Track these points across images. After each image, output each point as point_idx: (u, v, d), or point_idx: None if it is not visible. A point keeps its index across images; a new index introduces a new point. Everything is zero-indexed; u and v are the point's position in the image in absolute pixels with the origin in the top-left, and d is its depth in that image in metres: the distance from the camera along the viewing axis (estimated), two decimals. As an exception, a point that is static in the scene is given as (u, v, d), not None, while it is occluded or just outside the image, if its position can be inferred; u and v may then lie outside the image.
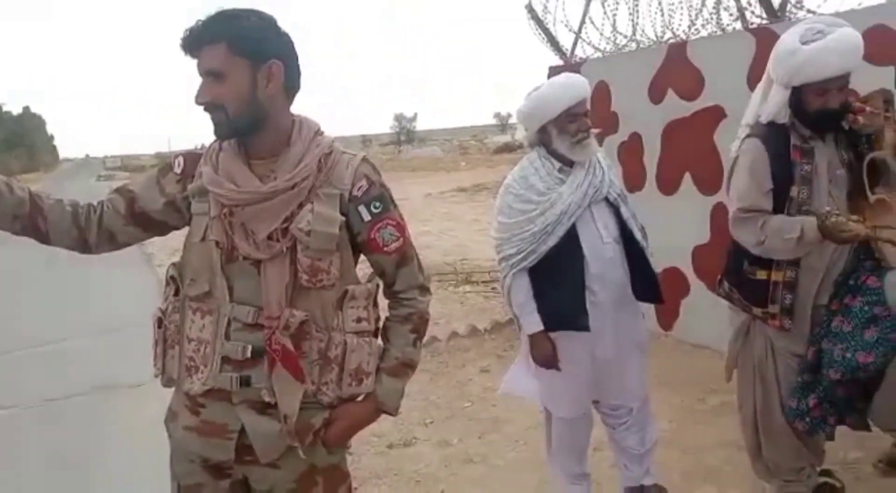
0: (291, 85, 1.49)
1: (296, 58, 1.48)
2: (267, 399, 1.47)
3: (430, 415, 3.64)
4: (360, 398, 1.58)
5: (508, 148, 24.83)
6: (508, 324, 4.89)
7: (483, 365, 4.34)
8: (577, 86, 2.31)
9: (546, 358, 2.32)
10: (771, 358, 2.34)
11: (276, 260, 1.45)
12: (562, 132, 2.29)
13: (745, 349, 2.41)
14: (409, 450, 3.29)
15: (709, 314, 3.86)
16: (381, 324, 1.63)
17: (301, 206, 1.45)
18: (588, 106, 2.33)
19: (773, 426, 2.37)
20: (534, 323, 2.32)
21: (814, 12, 3.54)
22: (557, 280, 2.28)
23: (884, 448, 2.74)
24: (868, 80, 2.15)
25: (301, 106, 1.54)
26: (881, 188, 2.13)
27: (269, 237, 1.45)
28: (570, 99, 2.27)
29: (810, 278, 2.22)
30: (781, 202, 2.20)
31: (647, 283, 2.40)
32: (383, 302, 1.63)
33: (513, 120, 43.18)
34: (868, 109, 2.13)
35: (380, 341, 1.62)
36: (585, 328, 2.27)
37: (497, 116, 45.02)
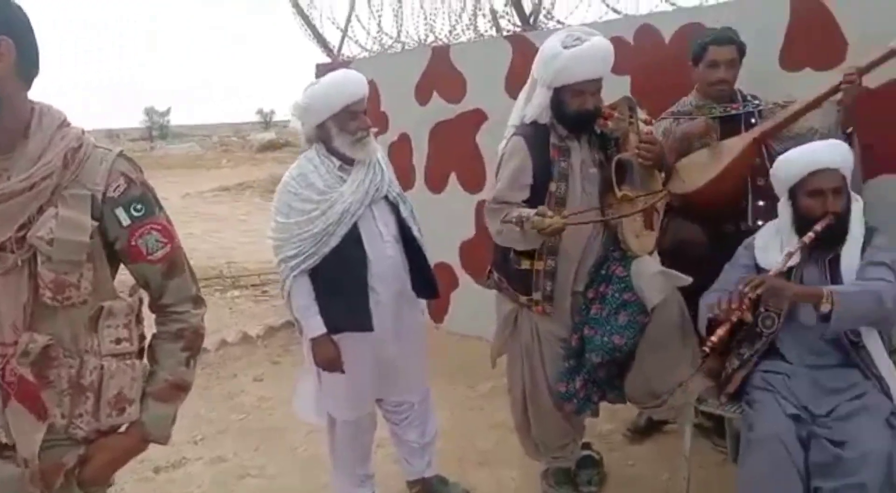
0: (26, 66, 1.25)
1: (31, 34, 1.25)
2: (3, 440, 1.25)
3: (201, 431, 3.39)
4: (122, 429, 1.39)
5: (273, 146, 24.12)
6: (283, 328, 4.73)
7: (256, 373, 4.14)
8: (358, 82, 2.26)
9: (330, 361, 2.26)
10: (537, 343, 2.49)
11: (9, 275, 1.23)
12: (342, 130, 2.23)
13: (514, 336, 2.55)
14: (179, 472, 3.03)
15: (476, 305, 4.06)
16: (146, 343, 1.45)
17: (42, 210, 1.24)
18: (366, 104, 2.30)
19: (540, 406, 2.54)
20: (316, 326, 2.24)
21: (563, 23, 3.86)
22: (340, 281, 2.23)
23: (631, 418, 3.06)
24: (606, 88, 2.36)
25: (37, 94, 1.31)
26: (626, 185, 2.37)
27: (2, 248, 1.22)
28: (350, 95, 2.22)
29: (567, 267, 2.40)
30: (542, 196, 2.36)
31: (425, 280, 2.43)
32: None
33: (277, 117, 42.10)
34: (616, 114, 2.35)
35: (146, 362, 1.44)
36: (369, 329, 2.24)
37: (260, 112, 43.51)
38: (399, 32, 4.74)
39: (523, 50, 3.80)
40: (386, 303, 2.31)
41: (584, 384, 2.41)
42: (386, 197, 2.35)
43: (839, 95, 2.38)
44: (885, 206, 2.39)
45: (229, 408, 3.68)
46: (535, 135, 2.39)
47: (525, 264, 2.42)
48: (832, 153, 2.15)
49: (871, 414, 1.95)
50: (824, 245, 2.13)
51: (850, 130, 2.43)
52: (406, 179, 4.47)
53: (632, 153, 2.36)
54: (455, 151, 4.28)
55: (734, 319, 1.97)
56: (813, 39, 2.80)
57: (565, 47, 2.27)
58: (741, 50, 2.63)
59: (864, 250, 2.13)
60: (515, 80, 3.82)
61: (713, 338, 1.96)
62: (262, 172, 16.71)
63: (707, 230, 2.60)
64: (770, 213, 2.53)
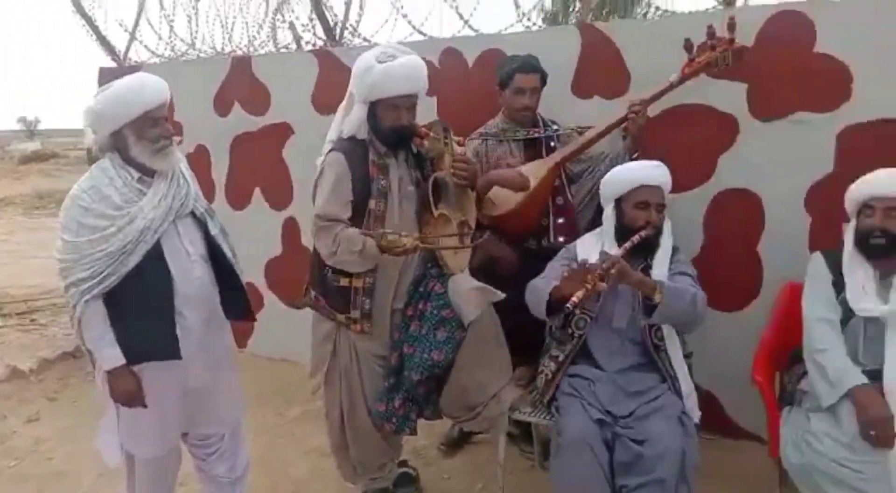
0: None
1: None
2: None
3: (-39, 484, 2.91)
4: None
5: (38, 157, 21.59)
6: (60, 360, 4.23)
7: (30, 413, 3.62)
8: (158, 86, 2.05)
9: (129, 395, 2.01)
10: (356, 362, 2.45)
11: None
12: (140, 137, 2.00)
13: (332, 356, 2.49)
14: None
15: (283, 327, 3.92)
16: None
17: None
18: (167, 110, 2.12)
19: (359, 427, 2.50)
20: (112, 357, 1.99)
21: (369, 40, 3.87)
22: (141, 305, 1.99)
23: (444, 432, 3.11)
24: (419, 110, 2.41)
25: None
26: (443, 204, 2.42)
27: None
28: (150, 100, 2.00)
29: (385, 285, 2.40)
30: (361, 214, 2.34)
31: (237, 300, 2.28)
32: None
33: (42, 126, 37.83)
34: (431, 134, 2.39)
35: None
36: (177, 357, 2.03)
37: (23, 120, 38.81)
38: (194, 39, 4.48)
39: (329, 65, 3.76)
40: (194, 327, 2.10)
41: (404, 403, 2.40)
42: (192, 212, 2.16)
43: (626, 123, 2.63)
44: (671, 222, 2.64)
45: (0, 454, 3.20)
46: (353, 150, 2.37)
47: (343, 282, 2.38)
48: (658, 173, 2.38)
49: (666, 414, 2.14)
50: (640, 253, 2.33)
51: (636, 154, 2.68)
52: (205, 194, 4.18)
53: (447, 173, 2.41)
54: (259, 166, 4.11)
55: (589, 286, 2.07)
56: (601, 70, 3.06)
57: (379, 62, 2.29)
58: (543, 78, 2.81)
59: (671, 263, 2.36)
60: (322, 95, 3.77)
61: (574, 298, 2.04)
62: (25, 187, 14.99)
63: (512, 248, 2.72)
64: (568, 229, 2.72)
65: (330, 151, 2.39)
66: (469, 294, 2.32)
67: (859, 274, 2.17)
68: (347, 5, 3.93)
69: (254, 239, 4.03)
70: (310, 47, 4.14)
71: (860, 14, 2.62)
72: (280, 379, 3.89)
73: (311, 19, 4.06)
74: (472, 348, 2.35)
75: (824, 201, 2.71)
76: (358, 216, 2.33)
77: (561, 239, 2.71)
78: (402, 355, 2.37)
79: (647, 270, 2.33)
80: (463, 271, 2.39)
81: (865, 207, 2.17)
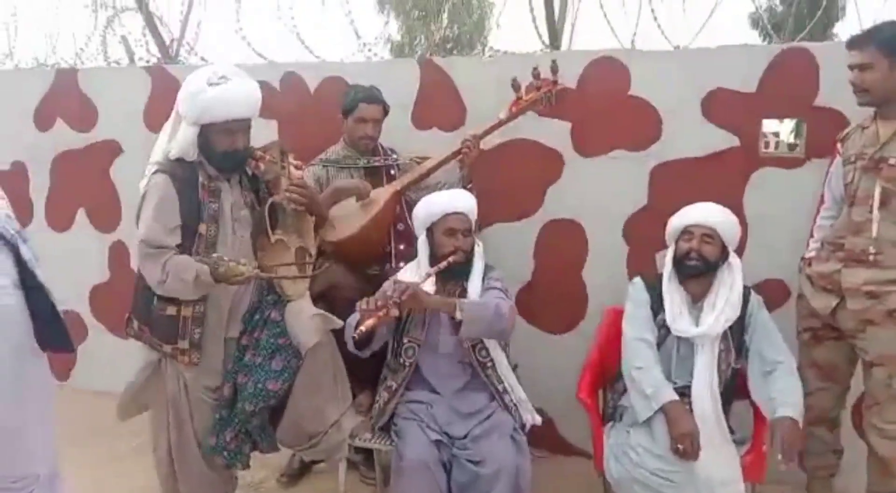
0: None
1: None
2: None
3: None
4: None
5: None
6: None
7: None
8: None
9: None
10: (184, 394, 2.33)
11: None
12: None
13: (159, 390, 2.36)
14: None
15: (109, 358, 3.68)
16: None
17: None
18: None
19: (188, 462, 2.37)
20: None
21: (206, 60, 3.77)
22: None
23: (282, 463, 3.03)
24: (255, 131, 2.37)
25: None
26: (280, 230, 2.38)
27: None
28: None
29: (217, 313, 2.31)
30: (192, 239, 2.25)
31: (53, 330, 2.10)
32: None
33: None
34: (268, 157, 2.36)
35: None
36: None
37: None
38: (13, 49, 4.13)
39: (163, 82, 3.62)
40: (2, 359, 1.91)
41: (236, 436, 2.32)
42: (2, 236, 1.99)
43: (461, 156, 2.75)
44: (500, 248, 2.79)
45: None
46: (181, 173, 2.26)
47: (170, 311, 2.26)
48: (464, 200, 2.51)
49: (500, 432, 2.24)
50: (454, 277, 2.44)
51: (469, 185, 2.80)
52: (22, 215, 3.87)
53: (283, 197, 2.38)
54: (84, 185, 3.84)
55: (381, 314, 2.13)
56: (439, 104, 3.19)
57: (210, 84, 2.21)
58: (386, 110, 2.88)
59: (483, 283, 2.47)
60: (155, 113, 3.61)
61: (362, 327, 2.11)
62: None
63: (354, 274, 2.73)
64: (409, 255, 2.79)
65: (155, 172, 2.28)
66: (307, 321, 2.29)
67: (676, 298, 2.39)
68: (184, 23, 3.81)
69: (77, 264, 3.77)
70: (144, 63, 3.96)
71: (666, 63, 2.92)
72: (106, 414, 3.57)
73: (145, 35, 3.90)
74: (309, 376, 2.31)
75: (640, 231, 2.97)
76: (188, 241, 2.24)
77: (402, 264, 2.76)
78: (236, 386, 2.30)
79: (463, 293, 2.44)
80: (302, 297, 2.37)
81: (685, 232, 2.41)
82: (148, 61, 3.97)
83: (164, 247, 2.19)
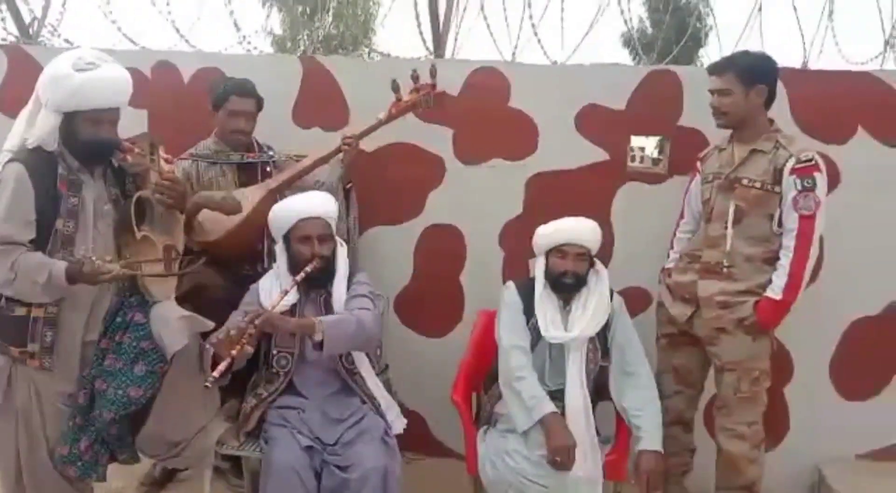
0: None
1: None
2: None
3: None
4: None
5: None
6: None
7: None
8: None
9: None
10: (36, 401, 2.16)
11: None
12: None
13: (7, 397, 2.18)
14: None
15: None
16: None
17: None
18: None
19: (38, 472, 2.20)
20: None
21: (70, 42, 3.52)
22: None
23: (143, 471, 2.87)
24: (123, 120, 2.24)
25: None
26: (146, 225, 2.26)
27: None
28: None
29: (74, 315, 2.16)
30: (46, 235, 2.09)
31: None
32: None
33: None
34: (136, 149, 2.23)
35: None
36: None
37: None
38: None
39: (21, 63, 3.33)
40: None
41: (91, 445, 2.16)
42: None
43: (340, 153, 2.71)
44: (381, 251, 2.78)
45: None
46: (38, 163, 2.10)
47: (19, 311, 2.09)
48: (320, 203, 2.45)
49: (370, 436, 2.23)
50: (317, 284, 2.40)
51: (349, 185, 2.78)
52: None
53: (152, 192, 2.26)
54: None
55: (234, 354, 2.06)
56: (322, 102, 3.14)
57: (77, 70, 2.07)
58: (259, 103, 2.80)
59: (349, 286, 2.45)
60: (10, 96, 3.31)
61: (215, 373, 2.03)
62: None
63: (224, 273, 2.64)
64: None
65: (9, 161, 2.11)
66: (175, 324, 2.18)
67: (549, 307, 2.47)
68: (47, 2, 3.54)
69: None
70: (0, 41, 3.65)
71: (545, 77, 3.03)
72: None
73: (1, 10, 3.59)
74: (175, 381, 2.19)
75: (515, 238, 3.05)
76: (42, 237, 2.08)
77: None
78: (94, 392, 2.15)
79: (328, 298, 2.42)
80: (168, 298, 2.26)
81: (558, 250, 2.48)
82: (4, 40, 3.66)
83: (15, 243, 2.03)
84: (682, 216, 2.71)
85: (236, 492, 2.83)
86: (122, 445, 2.24)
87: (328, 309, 2.40)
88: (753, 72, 2.37)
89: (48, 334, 2.11)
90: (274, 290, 2.40)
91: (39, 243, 2.07)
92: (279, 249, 2.45)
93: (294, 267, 2.38)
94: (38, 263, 2.02)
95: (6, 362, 2.16)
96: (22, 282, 2.02)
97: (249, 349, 2.10)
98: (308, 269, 2.33)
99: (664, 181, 2.96)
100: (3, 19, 3.60)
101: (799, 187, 2.30)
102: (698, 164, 2.63)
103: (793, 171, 2.32)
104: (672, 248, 2.72)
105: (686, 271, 2.56)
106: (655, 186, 2.98)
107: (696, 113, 2.83)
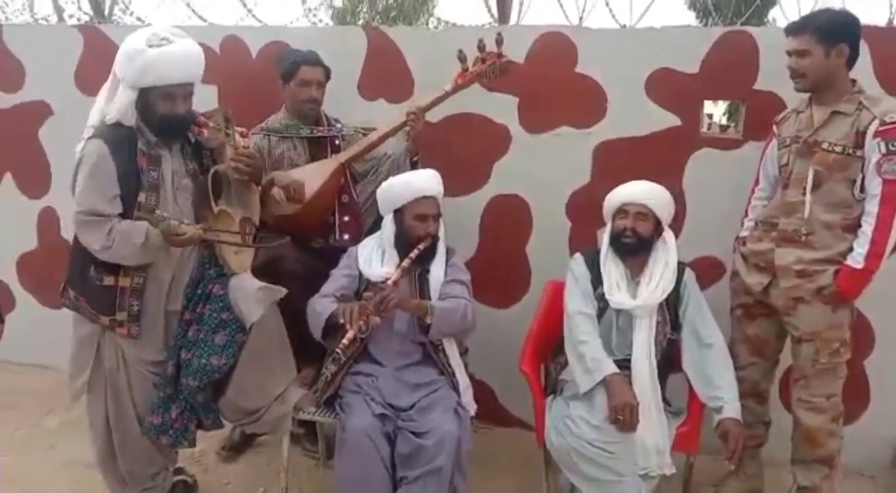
0: None
1: None
2: None
3: None
4: None
5: None
6: None
7: None
8: None
9: None
10: (123, 368, 2.29)
11: None
12: None
13: (96, 362, 2.30)
14: None
15: (38, 329, 3.55)
16: None
17: None
18: None
19: (127, 435, 2.33)
20: None
21: (142, 20, 3.61)
22: None
23: (224, 436, 2.98)
24: (197, 97, 2.31)
25: None
26: (223, 200, 2.32)
27: None
28: None
29: (157, 285, 2.26)
30: (130, 208, 2.18)
31: None
32: None
33: None
34: (211, 124, 2.28)
35: None
36: None
37: None
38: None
39: (96, 43, 3.44)
40: None
41: (181, 414, 2.28)
42: None
43: (407, 127, 2.71)
44: (447, 223, 2.76)
45: None
46: (118, 138, 2.18)
47: (108, 281, 2.20)
48: (434, 183, 2.48)
49: (444, 406, 2.27)
50: (418, 260, 2.43)
51: (416, 158, 2.78)
52: (-60, 180, 3.68)
53: (228, 166, 2.32)
54: (11, 148, 3.65)
55: (363, 323, 2.15)
56: (387, 74, 3.14)
57: (151, 46, 2.13)
58: (327, 73, 2.81)
59: (447, 267, 2.49)
60: (87, 74, 3.45)
61: (344, 341, 2.12)
62: None
63: (297, 246, 2.69)
64: (354, 227, 2.77)
65: (91, 137, 2.19)
66: (252, 294, 2.26)
67: (614, 272, 2.45)
68: (119, -19, 3.63)
69: (3, 230, 3.60)
70: (74, 21, 3.77)
71: (613, 42, 2.95)
72: (36, 387, 3.51)
73: (76, -9, 3.71)
74: (254, 350, 2.28)
75: (582, 208, 3.01)
76: (127, 210, 2.17)
77: (346, 237, 2.74)
78: (180, 362, 2.25)
79: (425, 274, 2.44)
80: (245, 270, 2.33)
81: (619, 211, 2.46)
82: (79, 20, 3.79)
83: (104, 215, 2.12)
84: (757, 182, 2.62)
85: (312, 458, 2.92)
86: (209, 412, 2.35)
87: (423, 285, 2.45)
88: (833, 31, 2.26)
89: (135, 303, 2.22)
90: (374, 257, 2.45)
91: (125, 216, 2.17)
92: (387, 221, 2.48)
93: (401, 241, 2.42)
94: (134, 227, 2.11)
95: (95, 330, 2.27)
96: (120, 247, 2.11)
97: (377, 320, 2.19)
98: (421, 247, 2.39)
99: (739, 147, 2.87)
100: (77, 0, 3.71)
101: (883, 150, 2.20)
102: (774, 127, 2.53)
103: (877, 133, 2.21)
104: (747, 215, 2.64)
105: (762, 239, 2.49)
106: (730, 151, 2.88)
107: (773, 75, 2.71)
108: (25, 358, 3.73)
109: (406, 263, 2.37)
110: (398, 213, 2.46)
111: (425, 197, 2.43)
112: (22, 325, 3.62)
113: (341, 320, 2.20)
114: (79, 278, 2.25)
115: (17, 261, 3.77)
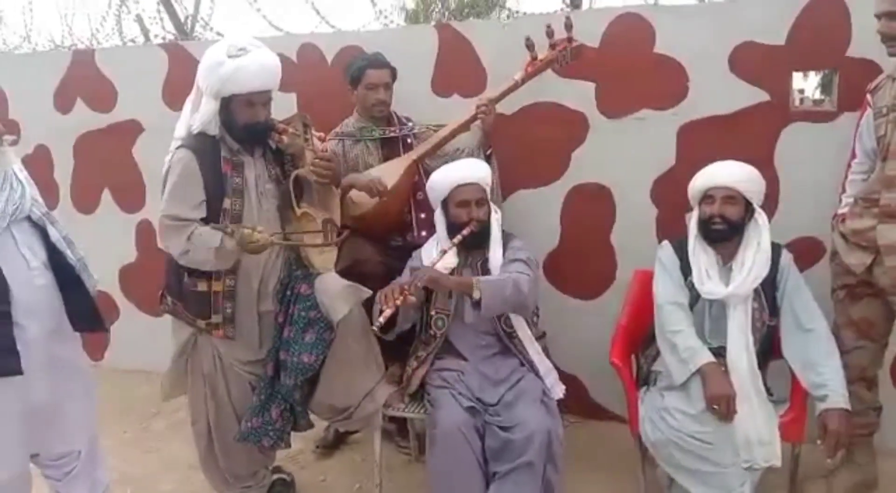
0: None
1: None
2: None
3: None
4: None
5: None
6: None
7: None
8: None
9: None
10: (220, 370, 2.37)
11: None
12: None
13: (195, 364, 2.39)
14: None
15: (142, 337, 3.73)
16: None
17: None
18: None
19: (227, 436, 2.41)
20: None
21: (221, 34, 3.74)
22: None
23: (319, 435, 3.05)
24: (274, 104, 2.36)
25: None
26: (305, 202, 2.37)
27: None
28: None
29: (247, 287, 2.33)
30: (216, 213, 2.26)
31: (84, 310, 2.11)
32: None
33: None
34: (290, 130, 2.34)
35: None
36: (17, 372, 1.84)
37: None
38: (29, 32, 4.15)
39: (180, 59, 3.59)
40: (36, 340, 1.91)
41: (281, 413, 2.34)
42: (29, 218, 1.98)
43: (477, 120, 2.69)
44: (526, 215, 2.75)
45: None
46: (203, 147, 2.27)
47: (202, 286, 2.29)
48: (473, 169, 2.49)
49: (531, 398, 2.24)
50: (475, 247, 2.43)
51: (489, 151, 2.76)
52: (48, 198, 3.88)
53: (308, 170, 2.37)
54: (108, 166, 3.85)
55: (398, 303, 2.17)
56: (459, 69, 3.12)
57: (230, 56, 2.20)
58: (394, 73, 2.83)
59: (505, 251, 2.46)
60: (173, 90, 3.60)
61: (381, 318, 2.16)
62: None
63: (376, 246, 2.72)
64: (430, 224, 2.76)
65: (178, 147, 2.29)
66: (338, 293, 2.30)
67: (703, 260, 2.36)
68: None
69: (104, 245, 3.78)
70: (159, 41, 3.94)
71: (692, 18, 2.83)
72: (141, 391, 3.69)
73: (160, 12, 3.87)
74: (342, 347, 2.33)
75: (668, 193, 2.91)
76: (213, 216, 2.25)
77: (423, 233, 2.75)
78: (278, 363, 2.32)
79: (485, 263, 2.44)
80: (329, 270, 2.37)
81: (706, 196, 2.36)
82: (164, 39, 3.95)
83: (186, 220, 2.21)
84: (854, 156, 2.46)
85: (404, 454, 2.94)
86: (303, 411, 2.41)
87: (485, 272, 2.44)
88: None
89: (228, 306, 2.30)
90: (432, 251, 2.47)
91: (211, 221, 2.24)
92: (438, 214, 2.51)
93: (452, 231, 2.43)
94: (211, 233, 2.19)
95: (192, 332, 2.36)
96: (197, 251, 2.19)
97: (412, 299, 2.20)
98: (465, 231, 2.38)
99: (833, 119, 2.70)
100: (161, 20, 3.88)
101: None
102: (868, 96, 2.37)
103: None
104: (845, 191, 2.48)
105: (862, 215, 2.33)
106: (824, 124, 2.72)
107: (867, 41, 2.53)
108: (132, 364, 3.93)
109: (447, 245, 2.38)
110: (445, 204, 2.48)
111: (465, 184, 2.43)
112: (126, 334, 3.83)
113: (380, 298, 2.23)
114: (175, 285, 2.35)
115: (119, 273, 3.97)
